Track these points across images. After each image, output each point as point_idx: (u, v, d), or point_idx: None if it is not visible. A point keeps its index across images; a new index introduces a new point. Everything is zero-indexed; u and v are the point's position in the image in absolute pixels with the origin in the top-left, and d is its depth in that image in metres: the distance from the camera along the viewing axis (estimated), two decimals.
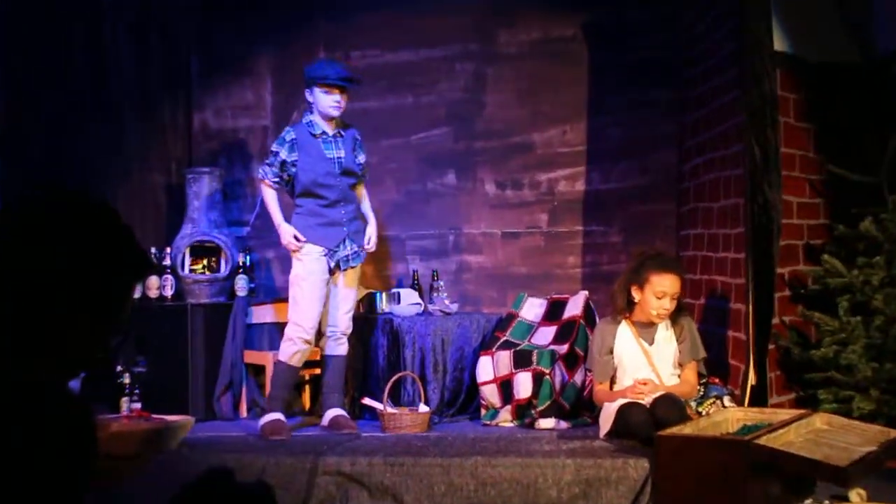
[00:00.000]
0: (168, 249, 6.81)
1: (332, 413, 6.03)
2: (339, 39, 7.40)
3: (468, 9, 7.35)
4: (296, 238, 5.89)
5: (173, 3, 7.46)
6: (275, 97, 7.51)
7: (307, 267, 5.92)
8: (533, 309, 6.65)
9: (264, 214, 6.40)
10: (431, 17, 7.37)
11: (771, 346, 5.66)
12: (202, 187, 6.95)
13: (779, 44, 5.74)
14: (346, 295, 6.08)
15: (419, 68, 7.42)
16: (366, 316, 6.64)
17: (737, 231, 5.81)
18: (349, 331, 6.13)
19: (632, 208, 7.14)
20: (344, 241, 5.99)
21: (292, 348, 5.89)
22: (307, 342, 5.90)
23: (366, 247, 6.12)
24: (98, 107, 7.27)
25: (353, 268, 6.06)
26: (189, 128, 7.55)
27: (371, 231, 6.15)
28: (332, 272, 5.97)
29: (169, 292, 6.75)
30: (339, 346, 6.10)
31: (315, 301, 5.92)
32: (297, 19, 7.48)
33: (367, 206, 6.24)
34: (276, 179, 5.95)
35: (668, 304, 5.48)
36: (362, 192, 6.24)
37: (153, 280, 6.71)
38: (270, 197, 6.00)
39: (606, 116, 7.18)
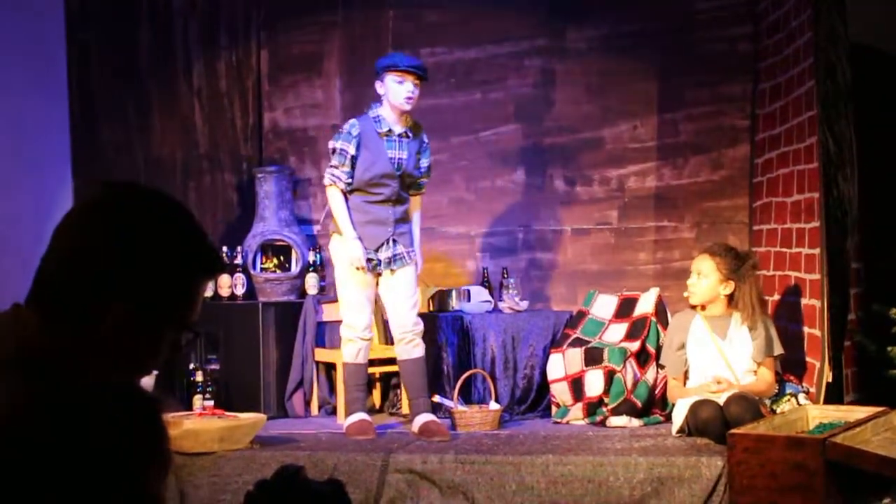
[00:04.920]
0: (239, 248, 6.85)
1: (422, 419, 5.76)
2: (408, 37, 7.38)
3: (536, 5, 7.31)
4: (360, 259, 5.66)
5: (242, 2, 7.50)
6: (344, 96, 7.51)
7: (350, 264, 5.71)
8: (603, 306, 6.59)
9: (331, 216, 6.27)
10: (499, 14, 7.33)
11: (847, 343, 5.57)
12: (272, 186, 6.98)
13: (857, 34, 5.63)
14: (404, 295, 5.80)
15: (488, 65, 7.38)
16: (436, 314, 6.63)
17: (811, 226, 5.72)
18: (419, 328, 5.83)
19: (704, 204, 7.05)
20: (388, 241, 5.75)
21: (353, 348, 5.76)
22: (365, 338, 5.76)
23: None
24: (167, 104, 7.35)
25: (401, 268, 5.81)
26: (259, 126, 7.59)
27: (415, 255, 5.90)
28: (379, 272, 5.77)
29: (240, 291, 6.79)
30: (414, 349, 5.80)
31: (363, 298, 5.73)
32: (365, 18, 7.49)
33: (416, 225, 5.97)
34: (349, 181, 5.68)
35: (693, 280, 5.60)
36: (417, 208, 6.00)
37: (225, 279, 6.76)
38: (341, 204, 5.69)
39: (678, 111, 7.10)
